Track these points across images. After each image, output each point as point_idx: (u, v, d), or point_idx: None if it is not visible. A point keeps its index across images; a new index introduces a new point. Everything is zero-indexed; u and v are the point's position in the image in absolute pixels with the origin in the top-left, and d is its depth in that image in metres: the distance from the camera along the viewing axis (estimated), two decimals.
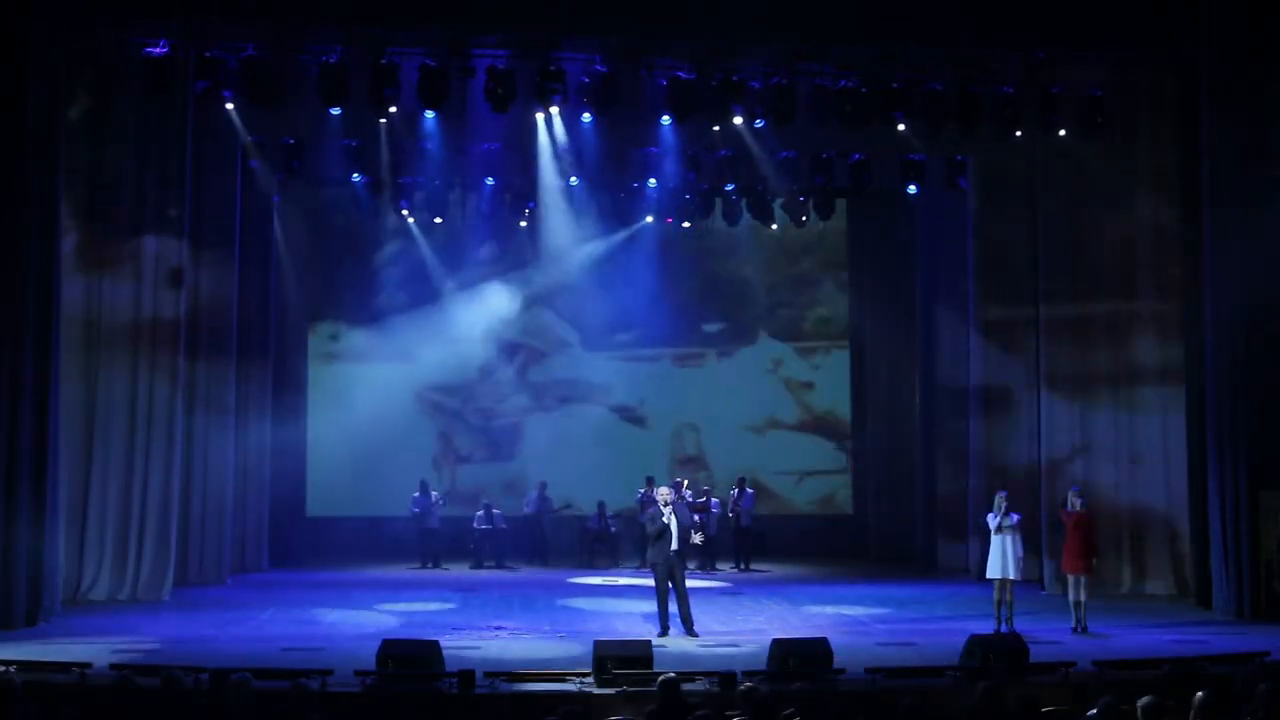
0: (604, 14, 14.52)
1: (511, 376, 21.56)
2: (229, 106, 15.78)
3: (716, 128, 16.39)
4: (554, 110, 15.71)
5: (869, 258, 22.20)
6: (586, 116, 15.74)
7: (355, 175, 18.43)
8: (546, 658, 11.81)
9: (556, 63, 14.90)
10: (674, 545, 13.23)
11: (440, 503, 20.01)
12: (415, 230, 20.78)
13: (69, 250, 14.72)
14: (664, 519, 13.24)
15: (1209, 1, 14.97)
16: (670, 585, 13.25)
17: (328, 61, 14.72)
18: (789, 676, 10.30)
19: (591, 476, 20.79)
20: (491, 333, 21.50)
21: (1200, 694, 7.95)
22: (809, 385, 22.36)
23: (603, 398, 21.74)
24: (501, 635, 13.32)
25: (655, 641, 11.65)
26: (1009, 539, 13.62)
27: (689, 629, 13.21)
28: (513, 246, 21.24)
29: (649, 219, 20.42)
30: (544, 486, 20.41)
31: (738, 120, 16.06)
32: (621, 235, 20.77)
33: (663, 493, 13.71)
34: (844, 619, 14.65)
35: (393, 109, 15.15)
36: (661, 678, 8.66)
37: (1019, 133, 16.39)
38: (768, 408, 22.22)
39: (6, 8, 13.59)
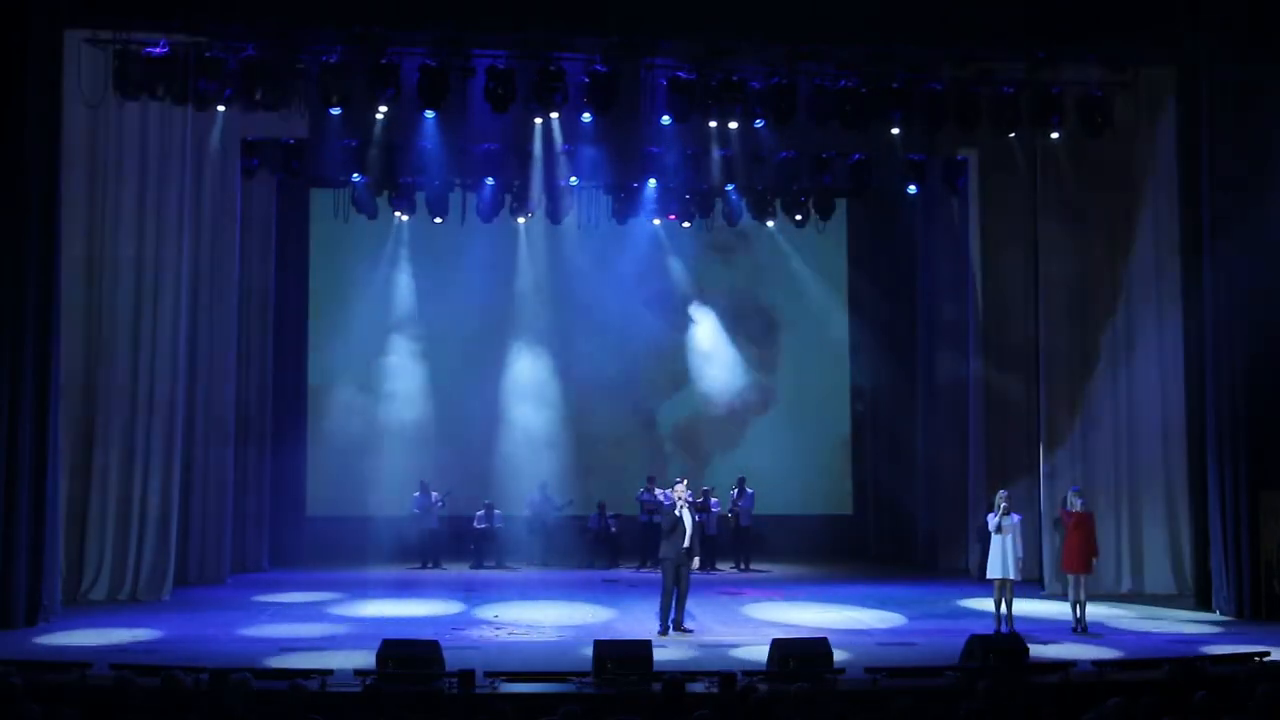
0: (604, 14, 14.52)
1: (512, 374, 21.51)
2: (218, 109, 15.82)
3: (713, 124, 16.36)
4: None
5: (869, 258, 22.19)
6: (586, 116, 15.74)
7: (355, 175, 18.44)
8: (546, 658, 11.82)
9: (556, 63, 14.88)
10: (685, 542, 13.33)
11: (440, 503, 20.01)
12: (415, 230, 20.76)
13: (69, 249, 14.70)
14: (678, 514, 13.40)
15: (1209, 1, 14.97)
16: (675, 582, 13.35)
17: (328, 61, 14.72)
18: (789, 676, 10.29)
19: (591, 477, 20.79)
20: (493, 331, 21.45)
21: (1200, 694, 7.97)
22: (809, 384, 22.34)
23: (602, 397, 21.70)
24: (501, 635, 13.34)
25: (655, 641, 11.66)
26: (1009, 539, 13.63)
27: (678, 625, 13.37)
28: (513, 246, 21.22)
29: (654, 220, 20.44)
30: (545, 487, 20.40)
31: (736, 123, 16.10)
32: (620, 234, 20.72)
33: (679, 490, 13.78)
34: (844, 619, 14.65)
35: (383, 108, 15.16)
36: (665, 678, 8.67)
37: (1019, 133, 16.38)
38: (767, 407, 22.22)
39: (6, 7, 13.60)
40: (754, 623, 14.29)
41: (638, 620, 14.23)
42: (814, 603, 15.90)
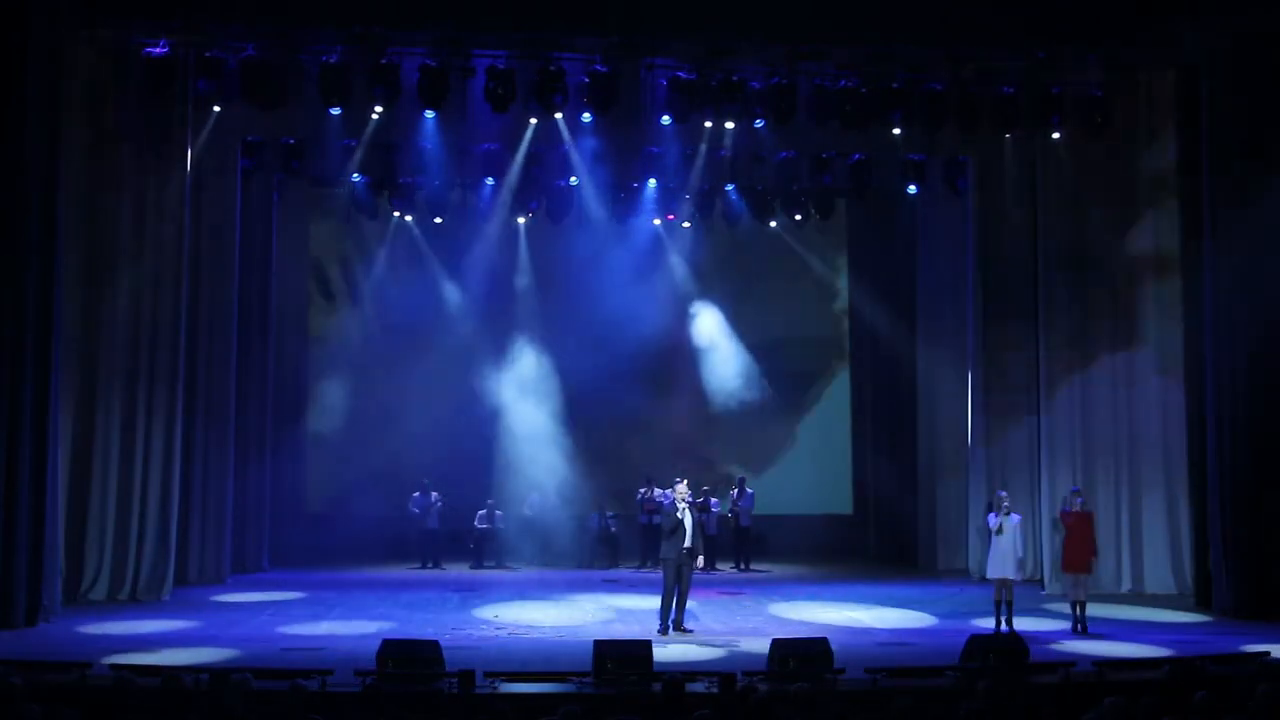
0: (604, 14, 14.52)
1: (512, 374, 21.51)
2: (216, 109, 15.85)
3: (709, 124, 16.35)
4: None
5: (869, 258, 22.20)
6: (586, 116, 15.74)
7: (355, 175, 18.44)
8: (546, 658, 11.82)
9: (556, 63, 14.90)
10: (686, 542, 13.36)
11: (439, 503, 20.01)
12: (415, 230, 20.77)
13: (69, 249, 14.69)
14: (679, 515, 13.46)
15: (1209, 2, 14.98)
16: (676, 582, 13.38)
17: (328, 61, 14.73)
18: (789, 676, 10.29)
19: (591, 477, 20.79)
20: (493, 331, 21.45)
21: (1200, 694, 7.97)
22: (808, 383, 22.35)
23: (602, 397, 21.70)
24: (501, 635, 13.35)
25: (655, 641, 11.66)
26: (1009, 539, 13.64)
27: (678, 625, 13.40)
28: (513, 246, 21.23)
29: (655, 220, 20.44)
30: (543, 486, 20.40)
31: (735, 123, 16.10)
32: (621, 234, 20.71)
33: (679, 490, 13.80)
34: (843, 619, 14.65)
35: (379, 108, 15.15)
36: (665, 678, 8.67)
37: (1019, 133, 16.37)
38: (767, 406, 22.24)
39: (6, 7, 13.60)
40: (754, 622, 14.27)
41: (638, 620, 14.23)
42: (814, 603, 15.89)
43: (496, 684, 10.15)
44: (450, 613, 14.93)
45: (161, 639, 12.88)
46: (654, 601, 13.89)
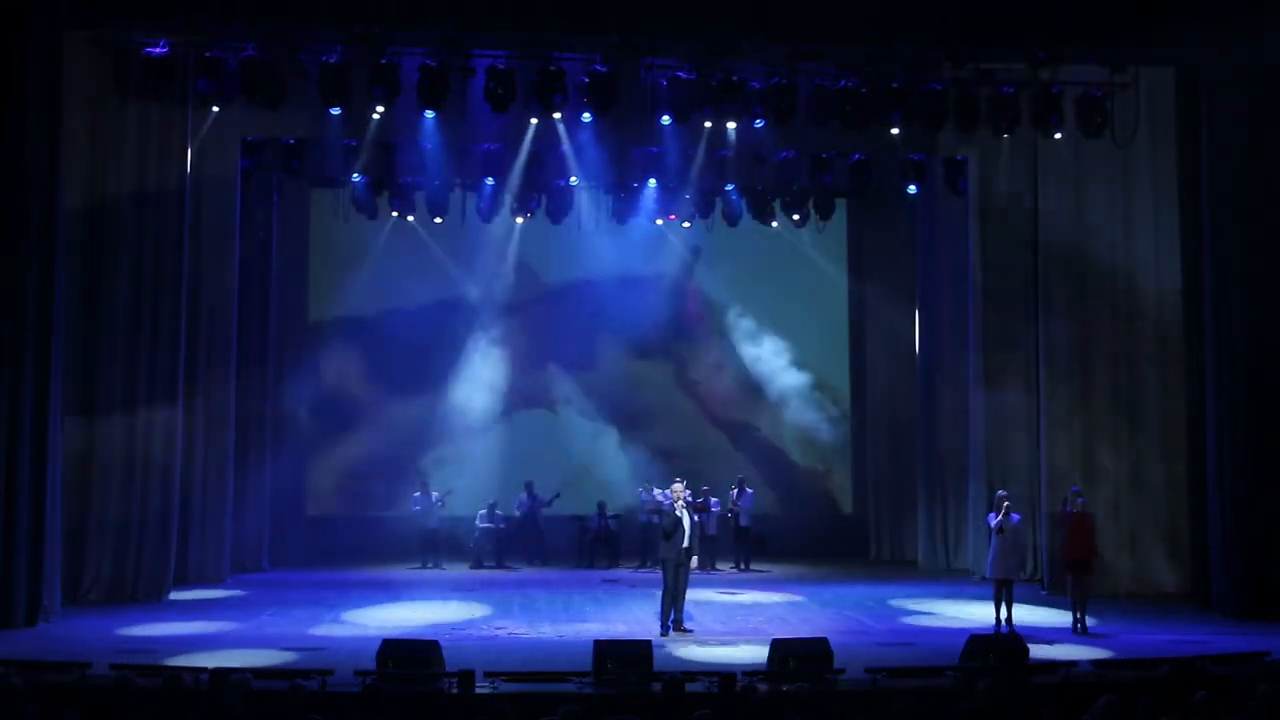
0: (604, 14, 14.51)
1: (512, 373, 21.53)
2: (216, 109, 15.84)
3: (709, 124, 16.35)
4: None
5: (869, 258, 22.20)
6: (586, 116, 15.74)
7: (355, 175, 18.44)
8: (546, 658, 11.82)
9: (556, 63, 14.89)
10: (685, 542, 13.38)
11: (440, 503, 20.00)
12: (416, 230, 20.76)
13: (69, 249, 14.69)
14: (678, 515, 13.50)
15: (1208, 2, 14.97)
16: (675, 583, 13.39)
17: (328, 61, 14.73)
18: (789, 676, 10.29)
19: (591, 476, 20.81)
20: (492, 331, 21.46)
21: (1200, 694, 7.98)
22: (809, 384, 22.34)
23: (600, 396, 21.71)
24: (501, 635, 13.35)
25: (655, 641, 11.66)
26: (1010, 539, 13.65)
27: (677, 626, 13.41)
28: (513, 246, 21.22)
29: (655, 220, 20.44)
30: (531, 486, 20.40)
31: (735, 123, 16.10)
32: (620, 234, 20.70)
33: (676, 489, 13.83)
34: (844, 619, 14.66)
35: (380, 108, 15.18)
36: (665, 678, 8.68)
37: (1019, 133, 16.38)
38: (767, 406, 22.22)
39: (6, 7, 13.60)
40: (754, 622, 14.25)
41: (637, 620, 14.24)
42: (814, 603, 15.89)
43: (496, 684, 10.15)
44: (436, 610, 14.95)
45: (161, 639, 12.89)
46: (654, 601, 13.89)
